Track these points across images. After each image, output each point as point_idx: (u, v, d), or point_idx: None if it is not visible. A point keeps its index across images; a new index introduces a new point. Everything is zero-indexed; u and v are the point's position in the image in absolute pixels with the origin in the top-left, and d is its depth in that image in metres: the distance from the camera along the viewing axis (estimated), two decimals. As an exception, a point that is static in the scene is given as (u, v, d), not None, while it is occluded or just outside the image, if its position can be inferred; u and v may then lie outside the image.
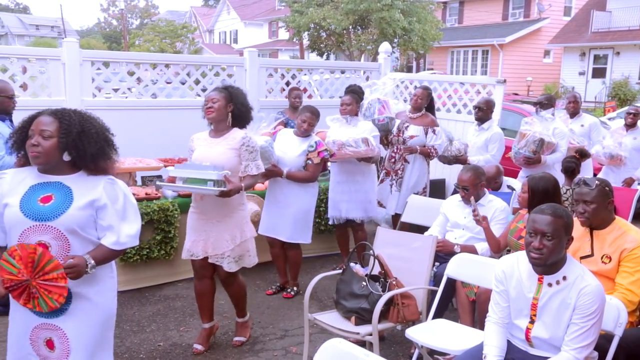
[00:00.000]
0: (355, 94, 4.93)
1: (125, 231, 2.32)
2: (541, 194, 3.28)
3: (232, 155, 3.41)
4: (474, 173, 3.88)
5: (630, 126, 5.90)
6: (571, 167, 4.62)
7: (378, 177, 5.37)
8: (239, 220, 3.50)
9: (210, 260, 3.49)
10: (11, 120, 4.04)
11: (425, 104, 5.19)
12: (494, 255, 3.70)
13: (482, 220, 3.67)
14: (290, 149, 4.38)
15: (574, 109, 5.87)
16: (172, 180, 3.45)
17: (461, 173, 3.92)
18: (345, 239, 5.08)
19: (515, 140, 5.35)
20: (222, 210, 3.43)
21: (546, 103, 5.48)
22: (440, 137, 5.13)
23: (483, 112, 5.29)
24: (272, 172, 4.28)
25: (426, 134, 5.10)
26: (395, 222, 5.22)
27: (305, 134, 4.39)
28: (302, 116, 4.38)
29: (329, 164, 5.15)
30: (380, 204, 5.27)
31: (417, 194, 5.10)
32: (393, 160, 5.22)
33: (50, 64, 5.23)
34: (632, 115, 5.92)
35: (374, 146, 4.64)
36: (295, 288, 4.64)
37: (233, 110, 3.48)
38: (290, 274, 4.66)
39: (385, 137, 5.20)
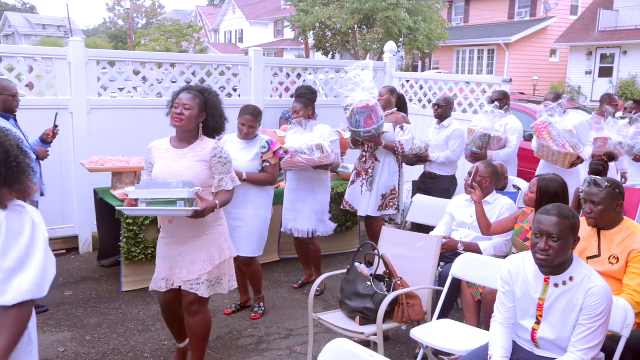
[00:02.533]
0: (303, 97, 4.61)
1: (23, 282, 1.66)
2: (550, 195, 3.26)
3: (201, 169, 2.95)
4: (492, 168, 3.95)
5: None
6: (598, 170, 4.59)
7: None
8: (217, 237, 3.07)
9: (184, 288, 3.03)
10: (15, 119, 4.05)
11: (392, 100, 4.98)
12: (498, 255, 3.69)
13: (475, 191, 3.70)
14: (239, 154, 3.95)
15: None
16: (134, 204, 2.90)
17: (480, 163, 4.00)
18: (304, 250, 4.76)
19: (466, 137, 5.32)
20: (197, 229, 3.00)
21: (499, 99, 5.37)
22: (408, 133, 4.90)
23: (442, 110, 5.28)
24: None
25: (395, 130, 4.90)
26: (369, 225, 5.00)
27: (247, 138, 4.00)
28: (240, 119, 3.96)
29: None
30: (351, 207, 5.00)
31: (385, 195, 4.88)
32: (364, 159, 4.93)
33: (56, 63, 5.24)
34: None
35: (329, 153, 4.33)
36: (261, 304, 4.23)
37: (206, 120, 3.01)
38: (254, 289, 4.24)
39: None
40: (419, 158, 5.20)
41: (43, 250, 1.75)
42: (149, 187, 2.87)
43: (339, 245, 5.47)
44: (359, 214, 5.03)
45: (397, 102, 5.07)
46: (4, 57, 5.08)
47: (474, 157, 5.16)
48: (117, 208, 3.06)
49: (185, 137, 3.00)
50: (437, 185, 5.26)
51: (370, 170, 4.88)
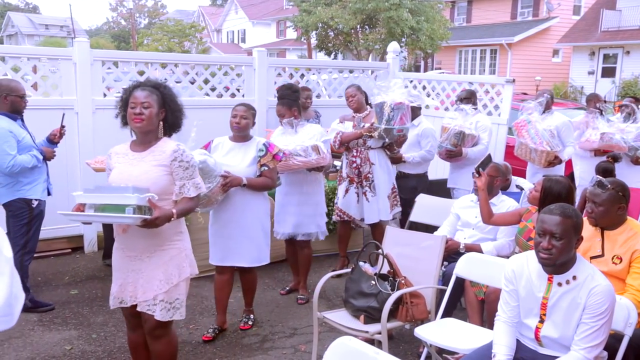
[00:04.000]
0: (286, 99, 4.34)
1: None
2: (554, 197, 3.28)
3: (160, 174, 2.68)
4: (494, 165, 3.99)
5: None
6: (609, 169, 4.58)
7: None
8: (176, 253, 2.77)
9: (139, 309, 2.75)
10: (22, 120, 4.08)
11: (363, 100, 4.83)
12: (501, 255, 3.71)
13: (480, 177, 3.73)
14: (234, 159, 3.70)
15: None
16: (82, 209, 2.62)
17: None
18: (296, 255, 4.58)
19: (439, 135, 5.29)
20: (153, 243, 2.72)
21: (467, 98, 5.38)
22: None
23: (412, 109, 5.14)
24: (232, 182, 3.59)
25: None
26: (375, 229, 4.91)
27: (240, 132, 3.72)
28: (232, 112, 3.71)
29: None
30: (349, 216, 4.86)
31: (389, 196, 4.85)
32: (355, 165, 4.75)
33: (61, 64, 5.27)
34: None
35: (326, 154, 4.16)
36: (251, 316, 4.03)
37: (166, 117, 2.77)
38: (246, 301, 4.04)
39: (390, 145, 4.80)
40: (392, 159, 5.03)
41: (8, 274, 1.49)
42: (99, 191, 2.61)
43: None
44: (367, 222, 4.87)
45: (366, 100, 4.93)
46: (10, 58, 5.11)
47: (448, 155, 5.16)
48: (58, 212, 2.73)
49: (146, 139, 2.75)
50: (405, 183, 5.19)
51: (370, 175, 4.75)
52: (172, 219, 2.64)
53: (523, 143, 5.20)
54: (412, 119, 5.17)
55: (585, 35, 23.11)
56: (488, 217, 3.72)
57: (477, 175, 3.77)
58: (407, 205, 5.13)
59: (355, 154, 4.76)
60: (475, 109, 5.33)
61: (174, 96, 2.82)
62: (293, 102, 4.34)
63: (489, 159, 3.91)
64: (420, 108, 5.32)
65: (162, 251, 2.73)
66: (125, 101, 2.74)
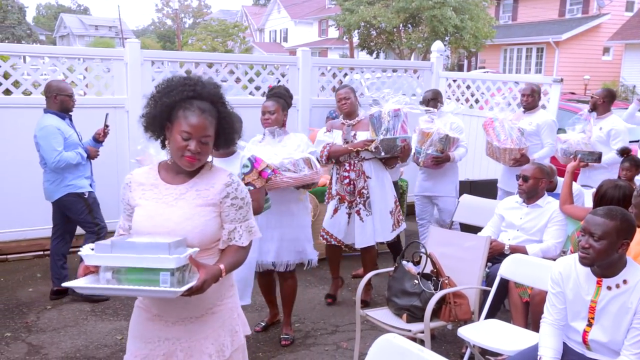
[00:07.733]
0: (280, 98, 3.75)
1: None
2: (603, 197, 3.31)
3: (208, 218, 1.95)
4: (539, 167, 3.94)
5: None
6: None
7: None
8: (228, 315, 2.07)
9: None
10: (70, 119, 4.28)
11: (357, 103, 4.30)
12: (546, 257, 3.65)
13: (575, 161, 4.04)
14: None
15: (528, 103, 5.13)
16: (94, 270, 1.86)
17: (527, 165, 4.03)
18: (271, 286, 3.94)
19: (416, 140, 4.92)
20: (199, 305, 1.98)
21: (433, 98, 5.10)
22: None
23: None
24: None
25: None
26: (369, 254, 4.37)
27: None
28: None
29: None
30: (337, 240, 4.28)
31: (392, 212, 4.30)
32: (347, 180, 4.19)
33: (113, 64, 5.48)
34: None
35: (319, 168, 3.63)
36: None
37: (216, 139, 1.98)
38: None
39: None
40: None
41: None
42: (117, 248, 1.82)
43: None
44: (358, 245, 4.27)
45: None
46: (68, 59, 5.34)
47: (435, 162, 4.88)
48: (63, 285, 2.03)
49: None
50: None
51: (364, 191, 4.19)
52: (221, 277, 1.91)
53: (489, 142, 4.99)
54: None
55: (638, 32, 22.25)
56: (565, 201, 3.84)
57: (574, 160, 4.00)
58: None
59: (347, 167, 4.19)
60: (439, 109, 5.06)
61: (230, 114, 2.02)
62: (286, 105, 3.81)
63: (597, 155, 4.12)
64: None
65: (211, 314, 2.02)
66: (168, 111, 1.91)
